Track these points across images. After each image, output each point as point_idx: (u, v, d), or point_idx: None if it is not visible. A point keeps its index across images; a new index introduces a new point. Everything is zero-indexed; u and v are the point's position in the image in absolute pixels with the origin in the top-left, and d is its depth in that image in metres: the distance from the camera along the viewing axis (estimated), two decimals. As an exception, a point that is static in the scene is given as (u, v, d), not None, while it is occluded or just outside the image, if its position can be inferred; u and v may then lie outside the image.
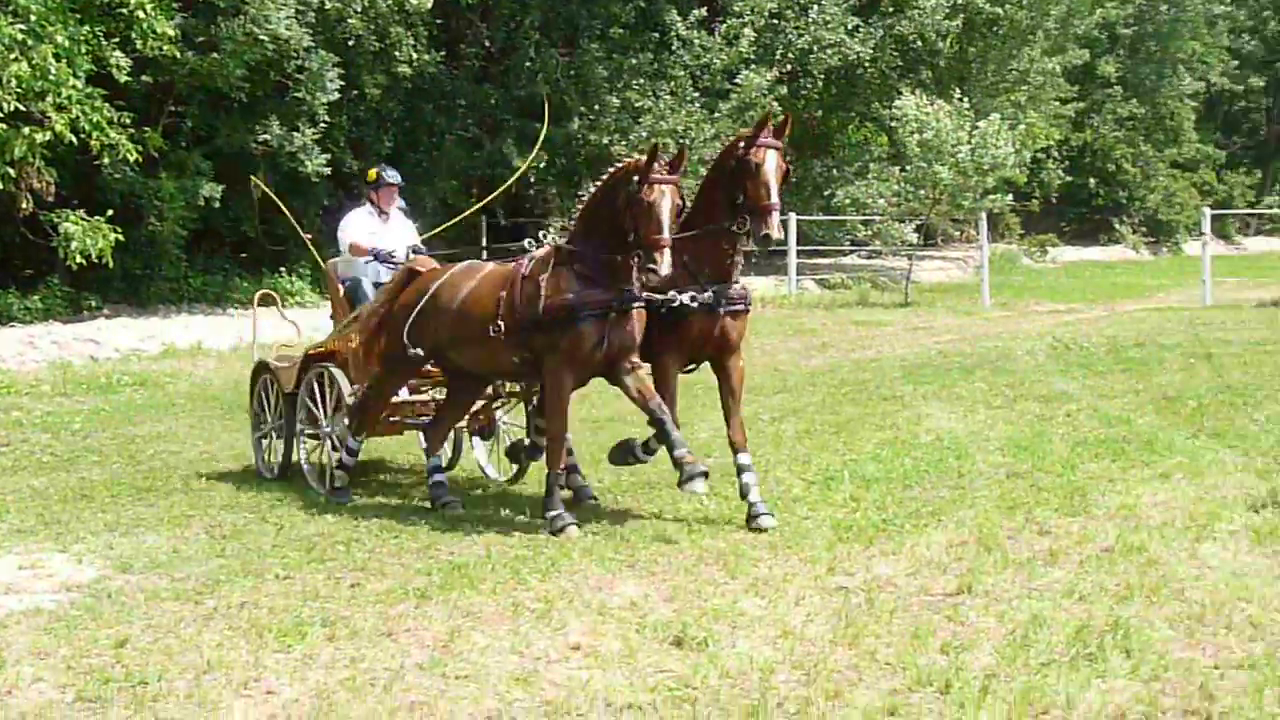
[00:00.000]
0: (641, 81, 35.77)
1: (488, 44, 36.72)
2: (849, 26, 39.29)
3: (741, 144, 11.09)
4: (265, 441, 13.90)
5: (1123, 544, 9.82)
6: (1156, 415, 15.60)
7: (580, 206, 11.38)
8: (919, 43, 41.27)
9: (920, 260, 39.94)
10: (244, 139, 29.55)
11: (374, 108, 33.15)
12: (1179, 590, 8.66)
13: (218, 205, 28.95)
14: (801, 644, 7.89)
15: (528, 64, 35.68)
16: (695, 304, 11.07)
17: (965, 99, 37.44)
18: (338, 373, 12.69)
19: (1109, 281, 43.05)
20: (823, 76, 39.64)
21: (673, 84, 36.12)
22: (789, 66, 38.83)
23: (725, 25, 37.78)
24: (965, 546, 9.98)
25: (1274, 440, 13.67)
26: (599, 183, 11.21)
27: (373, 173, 13.97)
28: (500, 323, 11.17)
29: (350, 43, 30.97)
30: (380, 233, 13.51)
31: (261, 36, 27.70)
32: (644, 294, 11.03)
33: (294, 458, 13.32)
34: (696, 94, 36.41)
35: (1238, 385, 17.84)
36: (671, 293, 11.03)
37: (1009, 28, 43.32)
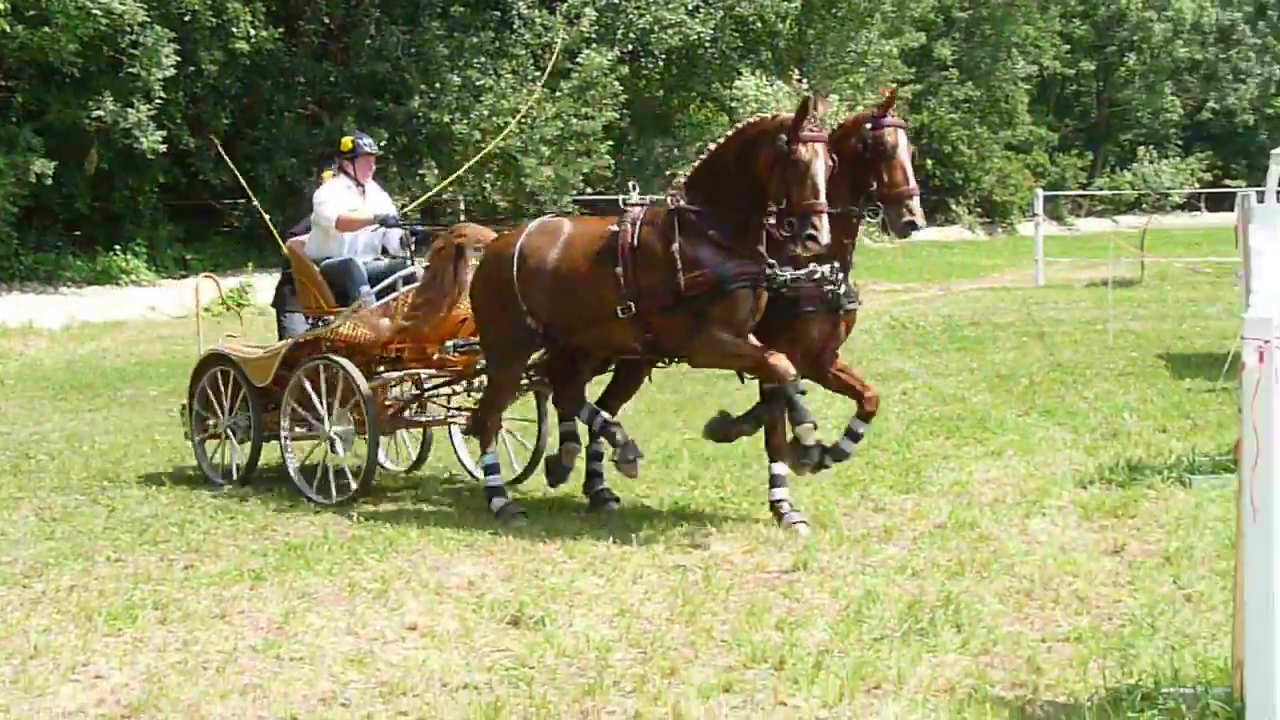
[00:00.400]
0: (482, 60, 35.58)
1: (327, 21, 36.32)
2: (689, 7, 39.44)
3: (868, 123, 10.04)
4: (213, 443, 12.39)
5: (955, 520, 9.96)
6: (990, 393, 15.85)
7: (699, 165, 10.20)
8: (759, 24, 41.56)
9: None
10: (76, 114, 28.97)
11: (211, 84, 32.65)
12: (1009, 565, 8.80)
13: (49, 182, 28.30)
14: (639, 622, 7.91)
15: (368, 41, 35.35)
16: (854, 305, 10.26)
17: (804, 80, 37.76)
18: (347, 363, 11.22)
19: (945, 261, 43.57)
20: (664, 56, 39.77)
21: (514, 63, 35.98)
22: (630, 46, 38.87)
23: (566, 4, 37.68)
24: (802, 523, 10.06)
25: (1102, 417, 13.94)
26: (725, 139, 10.08)
27: (348, 141, 12.57)
28: (630, 304, 9.94)
29: (186, 18, 30.46)
30: (360, 207, 12.13)
31: (94, 10, 27.16)
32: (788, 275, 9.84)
33: (283, 461, 11.72)
34: (538, 73, 36.29)
35: (1068, 364, 18.20)
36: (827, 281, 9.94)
37: (847, 10, 43.79)
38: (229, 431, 12.15)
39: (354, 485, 11.21)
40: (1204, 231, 45.15)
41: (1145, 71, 67.62)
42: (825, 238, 9.39)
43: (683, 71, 41.87)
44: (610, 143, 37.16)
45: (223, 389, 12.13)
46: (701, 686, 6.84)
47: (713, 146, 10.17)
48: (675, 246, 9.83)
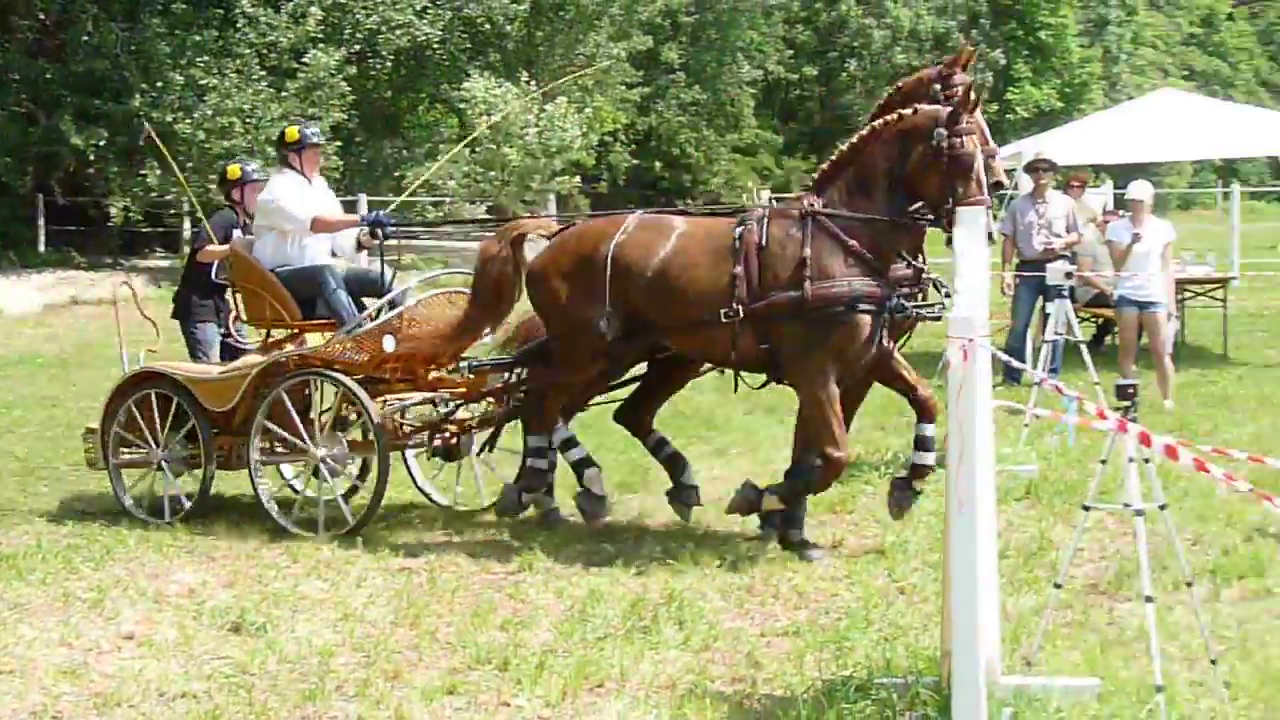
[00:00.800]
0: (206, 59, 34.79)
1: (42, 16, 35.20)
2: (417, 8, 39.12)
3: (936, 83, 9.71)
4: (129, 471, 10.92)
5: (680, 518, 10.07)
6: (715, 393, 16.01)
7: (831, 165, 9.44)
8: (487, 25, 41.38)
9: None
10: None
11: (-80, 80, 31.49)
12: (731, 562, 8.93)
13: None
14: (362, 626, 7.88)
15: (85, 38, 34.33)
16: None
17: (533, 82, 37.72)
18: (350, 381, 10.04)
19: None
20: (392, 57, 39.38)
21: (238, 62, 35.24)
22: (358, 46, 38.41)
23: (292, 3, 37.11)
24: (527, 524, 10.09)
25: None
26: (863, 137, 9.34)
27: (293, 131, 11.08)
28: (738, 307, 9.19)
29: (-111, 12, 29.37)
30: (314, 205, 10.80)
31: None
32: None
33: (254, 491, 10.45)
34: (263, 72, 35.65)
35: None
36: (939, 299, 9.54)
37: (575, 12, 43.82)
38: (163, 463, 10.73)
39: (351, 519, 10.09)
40: (922, 233, 46.29)
41: (866, 77, 68.86)
42: (995, 234, 9.07)
43: (411, 72, 41.50)
44: (338, 144, 36.73)
45: (154, 413, 10.66)
46: (425, 689, 6.84)
47: (845, 146, 9.46)
48: (808, 252, 9.12)
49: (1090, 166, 25.76)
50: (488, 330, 10.54)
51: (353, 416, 10.55)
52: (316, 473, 10.38)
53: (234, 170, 12.50)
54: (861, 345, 9.16)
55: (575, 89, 42.80)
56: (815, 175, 9.63)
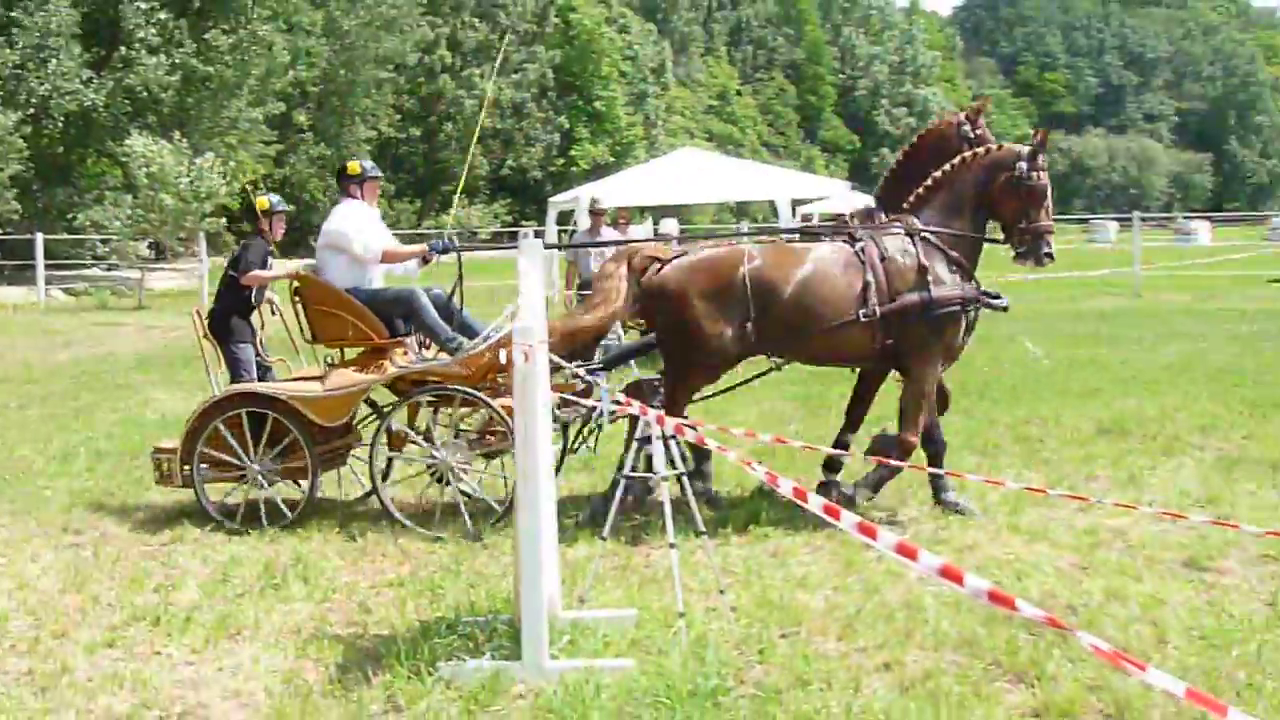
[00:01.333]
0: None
1: None
2: (84, 78, 37.55)
3: (963, 125, 9.29)
4: (212, 484, 9.28)
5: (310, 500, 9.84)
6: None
7: (927, 189, 9.01)
8: (145, 93, 39.94)
9: (152, 271, 38.45)
10: None
11: None
12: (349, 530, 8.77)
13: None
14: (35, 594, 7.48)
15: None
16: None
17: (185, 140, 36.54)
18: (484, 397, 8.77)
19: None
20: (63, 119, 37.62)
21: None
22: (32, 109, 36.53)
23: (-27, 73, 35.06)
24: (179, 505, 9.73)
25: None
26: (955, 167, 8.99)
27: (355, 166, 9.89)
28: (875, 309, 8.65)
29: None
30: (381, 233, 9.76)
31: None
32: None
33: (376, 491, 9.05)
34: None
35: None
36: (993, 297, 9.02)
37: (219, 84, 42.67)
38: (259, 475, 9.17)
39: (498, 508, 8.85)
40: (507, 262, 46.53)
41: (460, 137, 69.13)
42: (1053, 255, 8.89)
43: (80, 132, 39.70)
44: (16, 190, 34.77)
45: (248, 430, 9.20)
46: (88, 644, 6.55)
47: (938, 174, 9.02)
48: (924, 262, 8.77)
49: (634, 207, 26.34)
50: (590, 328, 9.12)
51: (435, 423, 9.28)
52: (437, 475, 9.08)
53: (263, 202, 11.15)
54: (962, 340, 9.00)
55: (222, 145, 41.73)
56: (910, 200, 9.11)
